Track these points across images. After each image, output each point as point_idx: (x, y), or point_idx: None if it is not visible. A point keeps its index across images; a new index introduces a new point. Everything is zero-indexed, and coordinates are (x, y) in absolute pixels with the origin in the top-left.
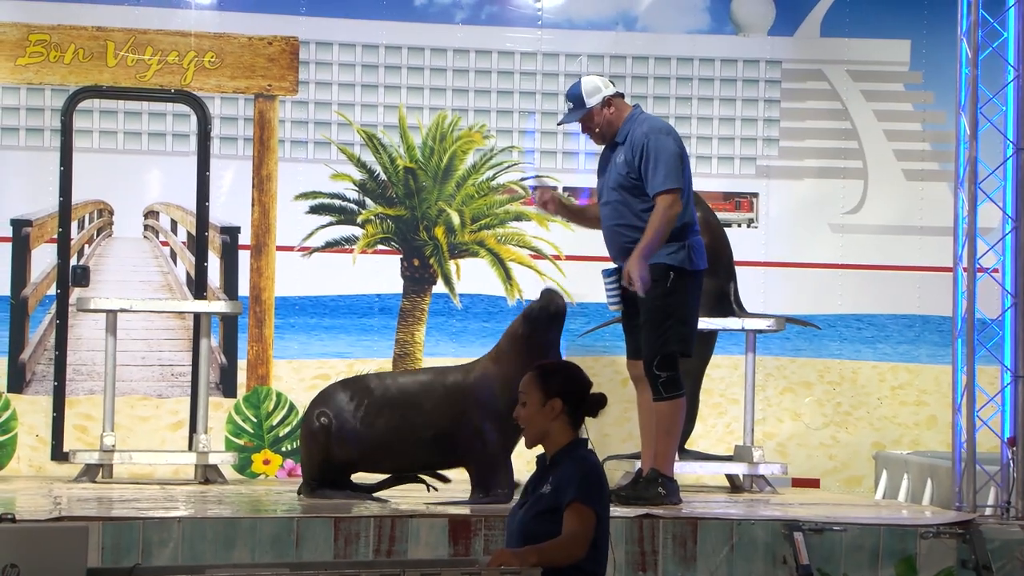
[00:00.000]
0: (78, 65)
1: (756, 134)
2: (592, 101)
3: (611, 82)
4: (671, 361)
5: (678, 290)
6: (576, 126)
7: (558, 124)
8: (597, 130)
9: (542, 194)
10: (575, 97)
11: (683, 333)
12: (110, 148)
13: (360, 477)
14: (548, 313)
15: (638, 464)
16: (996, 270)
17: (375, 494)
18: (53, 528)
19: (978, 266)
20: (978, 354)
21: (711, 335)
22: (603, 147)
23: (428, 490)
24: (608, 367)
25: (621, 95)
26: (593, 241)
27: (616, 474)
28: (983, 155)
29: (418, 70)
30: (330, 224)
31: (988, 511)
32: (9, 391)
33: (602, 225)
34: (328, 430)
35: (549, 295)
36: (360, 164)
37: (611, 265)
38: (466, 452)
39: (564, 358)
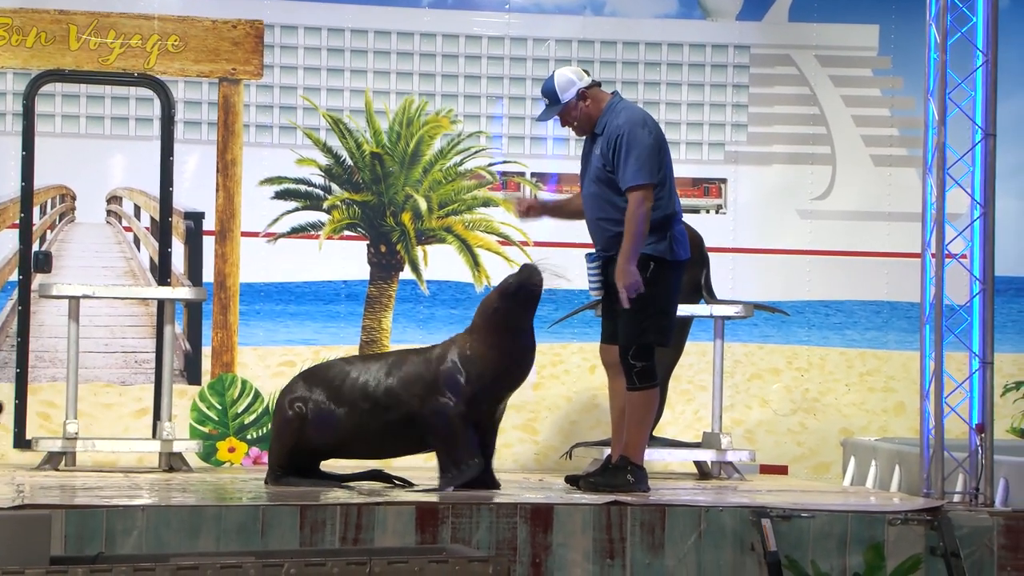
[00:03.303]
0: (40, 49)
1: (724, 120)
2: (566, 95)
3: (585, 72)
4: (647, 351)
5: (659, 281)
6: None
7: (536, 120)
8: (575, 123)
9: (520, 204)
10: (549, 92)
11: (662, 324)
12: (72, 133)
13: (332, 464)
14: (527, 289)
15: (607, 451)
16: (964, 256)
17: (343, 484)
18: (15, 516)
19: (946, 252)
20: (946, 340)
21: (686, 324)
22: (585, 137)
23: (393, 485)
24: (576, 354)
25: (597, 84)
26: (561, 228)
27: (584, 461)
28: (951, 141)
29: (384, 54)
30: (296, 210)
31: (956, 498)
32: None
33: (585, 217)
34: (302, 417)
35: (529, 271)
36: (326, 149)
37: (593, 250)
38: (427, 429)
39: (535, 344)
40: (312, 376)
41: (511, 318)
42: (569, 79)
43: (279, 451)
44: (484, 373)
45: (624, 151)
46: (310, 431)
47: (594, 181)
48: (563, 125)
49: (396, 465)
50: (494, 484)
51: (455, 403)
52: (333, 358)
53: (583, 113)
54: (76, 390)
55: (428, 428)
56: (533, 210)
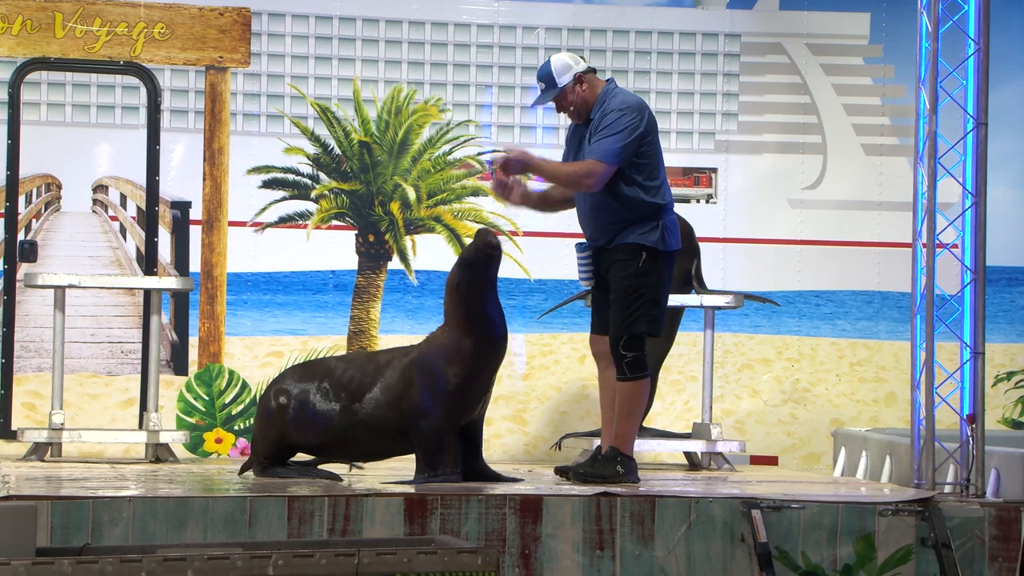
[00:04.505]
0: (26, 37)
1: (715, 108)
2: (563, 80)
3: (581, 57)
4: (638, 342)
5: (650, 271)
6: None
7: (532, 106)
8: (572, 108)
9: (502, 181)
10: (546, 77)
11: (653, 314)
12: (58, 121)
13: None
14: (484, 251)
15: (596, 442)
16: (955, 246)
17: (321, 467)
18: (1, 507)
19: (937, 242)
20: (937, 330)
21: (677, 315)
22: (572, 124)
23: (350, 469)
24: (566, 344)
25: (593, 71)
26: (551, 218)
27: (574, 452)
28: (943, 130)
29: (373, 42)
30: (283, 199)
31: (947, 488)
32: None
33: (576, 206)
34: (285, 411)
35: (482, 233)
36: (314, 138)
37: (583, 240)
38: (411, 431)
39: (523, 336)
40: (301, 371)
41: (476, 288)
42: (566, 63)
43: (262, 442)
44: (462, 362)
45: (603, 129)
46: (292, 427)
47: None
48: (559, 111)
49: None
50: (492, 476)
51: (439, 405)
52: (329, 356)
53: (580, 98)
54: (62, 380)
55: (412, 429)
56: (515, 191)
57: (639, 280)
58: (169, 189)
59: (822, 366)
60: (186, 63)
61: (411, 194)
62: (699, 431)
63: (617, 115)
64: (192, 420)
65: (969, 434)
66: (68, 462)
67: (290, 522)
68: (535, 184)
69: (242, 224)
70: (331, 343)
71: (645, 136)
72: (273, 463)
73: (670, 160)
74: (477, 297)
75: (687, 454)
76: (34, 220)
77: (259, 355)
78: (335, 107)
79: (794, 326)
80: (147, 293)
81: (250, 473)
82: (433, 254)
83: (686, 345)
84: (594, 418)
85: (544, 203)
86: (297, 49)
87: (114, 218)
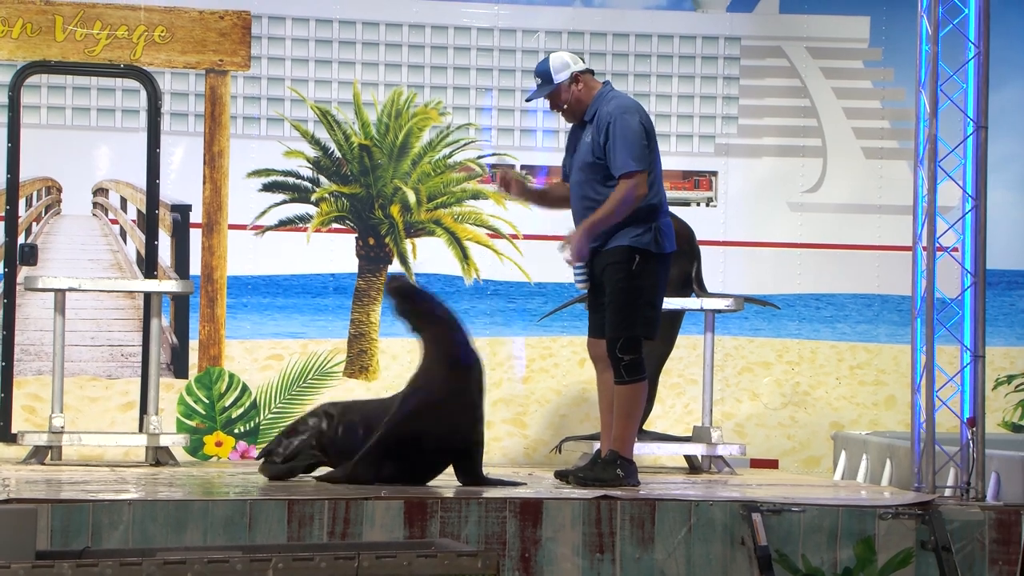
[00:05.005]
0: (26, 40)
1: (715, 112)
2: (560, 77)
3: (581, 58)
4: (634, 344)
5: (644, 273)
6: (544, 103)
7: (526, 100)
8: (565, 107)
9: (503, 175)
10: (543, 73)
11: (648, 317)
12: (58, 124)
13: None
14: (397, 298)
15: (596, 445)
16: (956, 249)
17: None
18: (1, 510)
19: (937, 245)
20: (937, 334)
21: (676, 318)
22: (572, 124)
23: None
24: (566, 347)
25: (591, 71)
26: (551, 220)
27: (573, 455)
28: (943, 133)
29: (373, 45)
30: (283, 202)
31: (947, 492)
32: None
33: (571, 205)
34: (319, 428)
35: (386, 283)
36: (314, 141)
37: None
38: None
39: (524, 339)
40: (353, 402)
41: (412, 324)
42: (564, 61)
43: (293, 446)
44: (421, 387)
45: (615, 137)
46: (329, 444)
47: (582, 169)
48: (552, 109)
49: None
50: (492, 483)
51: (391, 422)
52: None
53: (574, 97)
54: (62, 383)
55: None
56: (513, 186)
57: (633, 283)
58: (169, 192)
59: (822, 369)
60: (186, 66)
61: (411, 197)
62: (699, 434)
63: (620, 121)
64: (192, 423)
65: (969, 437)
66: (68, 465)
67: (290, 525)
68: (533, 184)
69: (242, 227)
70: (331, 346)
71: (647, 138)
72: (285, 463)
73: (670, 163)
74: (419, 331)
75: (687, 457)
76: (34, 223)
77: (259, 358)
78: (335, 110)
79: (794, 329)
80: (147, 296)
81: (249, 476)
82: (433, 257)
83: (686, 348)
84: (594, 421)
85: (544, 199)
86: (297, 52)
87: (114, 221)
